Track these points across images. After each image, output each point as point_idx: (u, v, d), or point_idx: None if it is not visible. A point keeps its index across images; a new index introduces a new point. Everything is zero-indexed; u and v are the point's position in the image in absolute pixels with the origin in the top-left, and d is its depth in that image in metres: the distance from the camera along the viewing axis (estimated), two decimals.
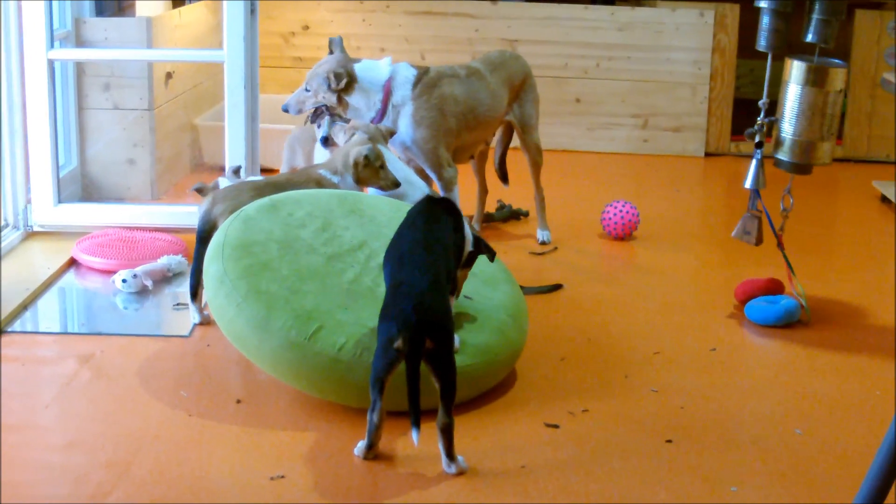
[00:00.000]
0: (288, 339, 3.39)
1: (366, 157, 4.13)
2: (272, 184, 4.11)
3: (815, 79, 4.12)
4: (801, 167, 4.23)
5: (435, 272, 3.22)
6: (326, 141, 4.67)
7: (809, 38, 4.17)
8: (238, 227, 3.70)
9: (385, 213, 3.96)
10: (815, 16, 4.12)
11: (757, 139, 4.23)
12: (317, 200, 3.92)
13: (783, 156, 4.23)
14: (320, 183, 4.13)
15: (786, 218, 4.36)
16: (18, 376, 3.68)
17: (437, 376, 3.09)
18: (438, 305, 3.15)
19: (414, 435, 3.06)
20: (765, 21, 4.16)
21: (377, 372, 3.10)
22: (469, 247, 3.50)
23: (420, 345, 3.05)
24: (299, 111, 4.75)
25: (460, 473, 3.13)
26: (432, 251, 3.28)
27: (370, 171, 4.16)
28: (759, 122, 4.22)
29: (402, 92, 4.69)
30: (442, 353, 3.10)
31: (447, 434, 3.12)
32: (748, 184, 4.29)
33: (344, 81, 4.61)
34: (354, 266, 3.69)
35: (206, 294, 3.64)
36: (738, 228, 4.40)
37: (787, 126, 4.19)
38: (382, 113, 4.68)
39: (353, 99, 4.66)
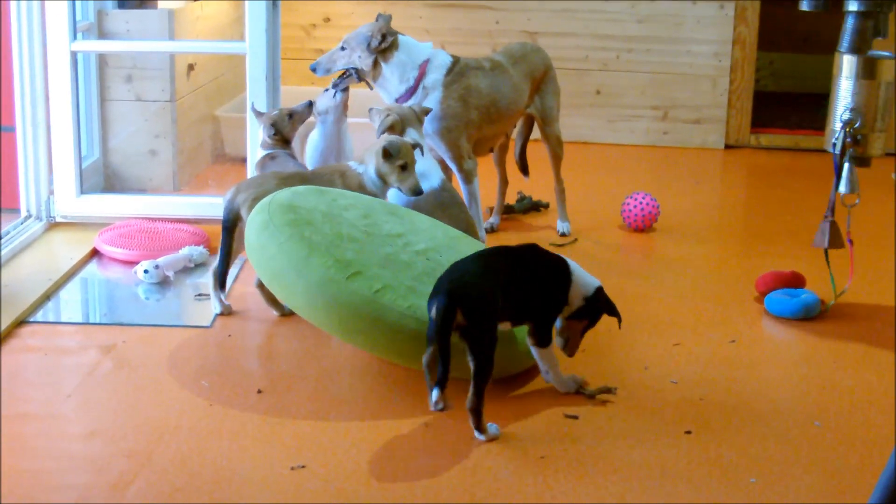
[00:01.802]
0: (326, 276, 3.43)
1: (384, 148, 4.01)
2: (299, 175, 4.12)
3: (866, 71, 4.12)
4: (859, 160, 4.20)
5: (489, 265, 3.34)
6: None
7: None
8: (286, 194, 3.77)
9: (425, 223, 3.98)
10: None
11: (849, 139, 4.16)
12: (358, 198, 3.95)
13: (826, 146, 4.21)
14: (344, 175, 4.10)
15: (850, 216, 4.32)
16: (41, 366, 3.70)
17: (470, 354, 3.18)
18: (478, 286, 3.23)
19: (434, 394, 3.14)
20: (849, 22, 4.11)
21: (427, 342, 3.18)
22: (579, 296, 3.47)
23: (450, 316, 3.13)
24: (328, 71, 4.72)
25: (491, 440, 3.23)
26: (501, 258, 3.40)
27: (390, 166, 4.03)
28: (842, 125, 4.17)
29: (436, 76, 4.69)
30: (474, 331, 3.17)
31: (475, 414, 3.21)
32: (844, 189, 4.19)
33: (389, 41, 4.60)
34: (393, 245, 3.72)
35: (248, 240, 3.67)
36: (821, 238, 4.31)
37: (829, 116, 4.18)
38: (413, 91, 4.67)
39: (389, 68, 4.64)
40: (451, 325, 3.15)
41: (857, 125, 4.12)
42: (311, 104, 4.64)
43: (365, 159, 4.10)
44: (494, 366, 3.22)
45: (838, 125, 4.16)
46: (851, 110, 4.12)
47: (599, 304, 3.50)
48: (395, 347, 3.45)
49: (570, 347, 3.54)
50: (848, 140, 4.13)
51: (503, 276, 3.32)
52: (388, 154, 4.03)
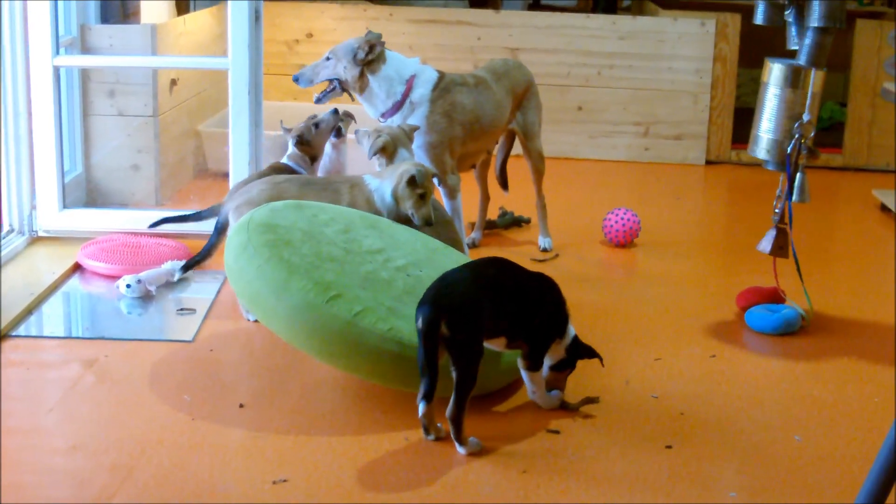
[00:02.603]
0: (306, 300, 3.42)
1: (412, 176, 4.02)
2: (298, 179, 4.19)
3: (793, 80, 4.17)
4: (781, 165, 4.25)
5: (479, 275, 3.36)
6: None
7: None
8: (264, 212, 3.78)
9: (404, 236, 3.98)
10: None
11: (805, 151, 4.21)
12: (339, 211, 3.96)
13: (761, 155, 4.26)
14: (355, 187, 4.11)
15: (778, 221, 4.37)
16: (22, 380, 3.70)
17: (452, 365, 3.20)
18: (463, 296, 3.24)
19: (420, 406, 3.21)
20: (810, 38, 4.15)
21: (418, 359, 3.22)
22: (567, 336, 3.52)
23: (435, 326, 3.16)
24: (310, 82, 4.71)
25: (472, 454, 3.24)
26: (495, 272, 3.41)
27: (410, 192, 4.04)
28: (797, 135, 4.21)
29: (423, 91, 4.70)
30: (456, 341, 3.18)
31: (455, 423, 3.22)
32: (798, 198, 4.23)
33: (376, 52, 4.61)
34: (373, 263, 3.72)
35: (227, 262, 3.66)
36: (766, 243, 4.36)
37: (766, 125, 4.22)
38: (399, 105, 4.68)
39: (376, 81, 4.65)
40: (436, 334, 3.16)
41: (811, 135, 4.17)
42: (336, 111, 4.65)
43: (384, 176, 4.11)
44: (477, 383, 3.23)
45: (764, 133, 4.21)
46: (803, 121, 4.17)
47: (580, 351, 3.55)
48: (376, 370, 3.46)
49: (561, 385, 3.59)
50: (802, 150, 4.18)
51: (494, 288, 3.32)
52: (413, 182, 4.04)
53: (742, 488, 3.14)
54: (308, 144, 4.59)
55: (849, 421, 3.60)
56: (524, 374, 3.50)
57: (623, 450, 3.33)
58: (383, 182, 4.09)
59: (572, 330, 3.53)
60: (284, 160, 4.60)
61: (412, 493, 3.06)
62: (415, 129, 4.52)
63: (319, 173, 4.78)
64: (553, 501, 3.04)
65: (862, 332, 4.37)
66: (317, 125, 4.59)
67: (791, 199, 4.22)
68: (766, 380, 3.92)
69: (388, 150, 4.35)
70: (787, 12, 4.23)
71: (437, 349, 3.18)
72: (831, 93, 8.04)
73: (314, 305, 3.42)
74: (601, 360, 3.62)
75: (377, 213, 4.08)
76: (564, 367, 3.55)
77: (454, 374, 3.20)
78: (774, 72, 4.20)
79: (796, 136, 4.17)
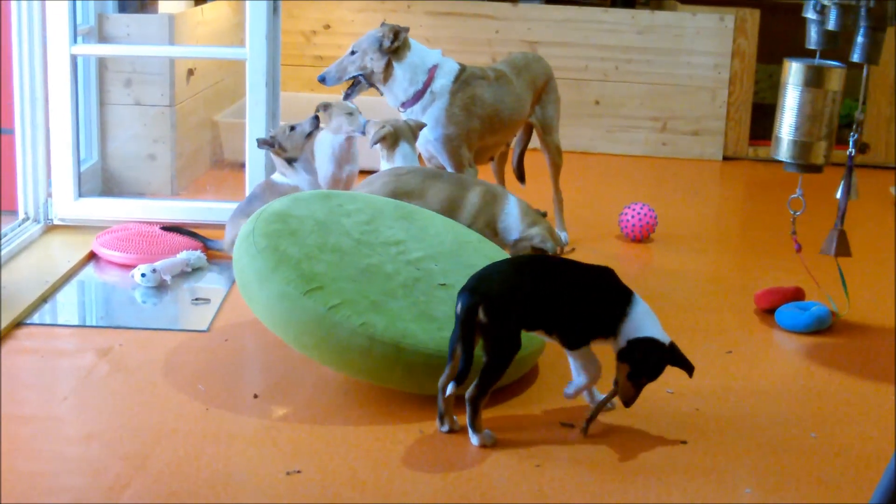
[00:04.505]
0: (284, 291, 3.46)
1: (543, 249, 4.11)
2: (424, 172, 4.27)
3: (814, 79, 4.14)
4: (807, 167, 4.22)
5: (523, 269, 3.32)
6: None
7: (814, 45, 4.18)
8: (285, 201, 3.83)
9: (437, 228, 3.98)
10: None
11: (853, 150, 4.17)
12: (371, 202, 3.98)
13: (783, 157, 4.23)
14: (491, 199, 4.21)
15: (794, 221, 4.34)
16: (37, 368, 3.70)
17: (484, 351, 3.21)
18: (502, 285, 3.24)
19: (449, 386, 3.23)
20: (866, 36, 4.10)
21: (450, 342, 3.24)
22: (625, 336, 3.32)
23: (472, 312, 3.17)
24: (339, 80, 4.70)
25: (483, 446, 3.23)
26: (539, 266, 3.36)
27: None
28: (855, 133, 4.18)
29: (444, 81, 4.68)
30: (492, 329, 3.19)
31: (473, 406, 3.23)
32: (853, 196, 4.18)
33: (401, 39, 4.60)
34: (381, 255, 3.72)
35: (235, 248, 3.73)
36: (829, 245, 4.29)
37: (786, 127, 4.19)
38: (420, 95, 4.66)
39: (401, 68, 4.63)
40: (473, 321, 3.18)
41: (861, 132, 4.15)
42: (317, 118, 4.62)
43: (526, 215, 4.11)
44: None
45: (785, 135, 4.18)
46: (859, 118, 4.14)
47: (635, 353, 3.30)
48: (346, 363, 3.45)
49: (621, 392, 3.35)
50: (853, 149, 4.15)
51: (537, 282, 3.28)
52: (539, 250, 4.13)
53: (757, 484, 3.13)
54: (281, 147, 4.57)
55: (865, 419, 3.58)
56: (568, 354, 3.39)
57: (638, 445, 3.32)
58: (522, 221, 4.01)
59: (654, 333, 3.31)
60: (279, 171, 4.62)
61: (426, 486, 3.05)
62: (421, 125, 4.53)
63: (328, 164, 4.79)
64: (567, 496, 3.03)
65: (878, 330, 4.35)
66: (293, 128, 4.57)
67: (847, 197, 4.18)
68: (781, 376, 3.90)
69: (388, 141, 4.40)
70: (807, 14, 4.17)
71: (473, 335, 3.19)
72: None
73: (291, 296, 3.45)
74: (690, 369, 3.40)
75: (493, 231, 4.12)
76: (622, 359, 3.33)
77: (484, 360, 3.21)
78: (795, 72, 4.17)
79: (854, 135, 4.14)
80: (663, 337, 3.31)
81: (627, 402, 3.34)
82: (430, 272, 3.70)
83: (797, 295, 4.44)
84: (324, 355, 3.47)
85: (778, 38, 8.07)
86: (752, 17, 7.10)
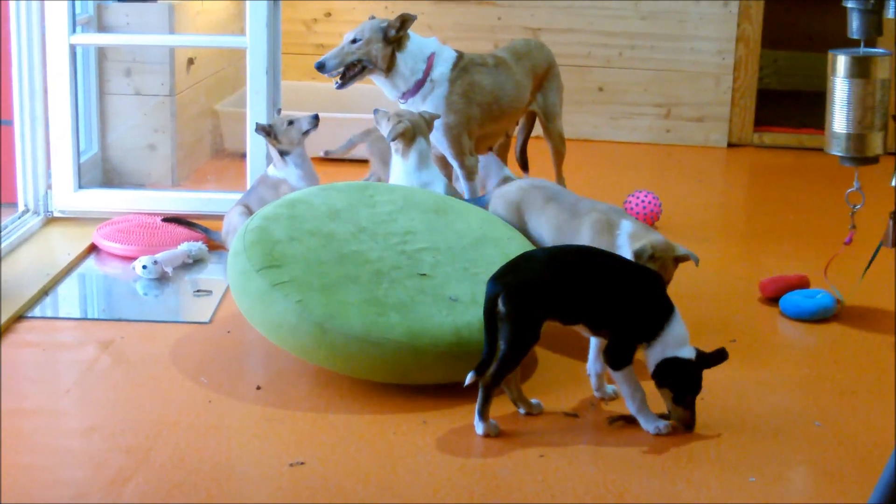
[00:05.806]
0: (242, 268, 3.58)
1: (647, 254, 3.71)
2: (549, 192, 4.09)
3: (861, 70, 4.08)
4: (862, 160, 4.16)
5: (556, 260, 3.29)
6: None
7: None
8: (315, 190, 3.99)
9: (469, 223, 3.95)
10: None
11: None
12: (407, 194, 4.00)
13: (838, 151, 4.16)
14: (606, 227, 3.85)
15: (853, 216, 4.30)
16: (38, 361, 3.69)
17: (502, 340, 3.19)
18: (527, 277, 3.22)
19: (468, 376, 3.21)
20: None
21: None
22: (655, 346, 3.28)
23: (493, 302, 3.18)
24: (339, 65, 4.64)
25: (486, 435, 3.23)
26: (576, 259, 3.32)
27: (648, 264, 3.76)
28: None
29: (442, 69, 4.65)
30: (509, 319, 3.18)
31: (485, 392, 3.22)
32: None
33: (408, 25, 4.58)
34: (376, 243, 3.74)
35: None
36: (889, 237, 4.24)
37: (839, 121, 4.12)
38: (421, 84, 4.63)
39: (403, 57, 4.59)
40: (494, 311, 3.18)
41: None
42: (317, 117, 4.58)
43: (637, 238, 3.79)
44: None
45: (838, 129, 4.12)
46: None
47: (668, 379, 3.29)
48: (280, 339, 3.52)
49: (676, 418, 3.32)
50: None
51: (570, 273, 3.25)
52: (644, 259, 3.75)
53: (761, 473, 3.12)
54: (276, 138, 4.54)
55: (869, 407, 3.56)
56: (613, 375, 3.32)
57: (641, 434, 3.30)
58: (631, 248, 3.84)
59: (685, 351, 3.29)
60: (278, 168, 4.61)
61: (430, 476, 3.04)
62: (435, 117, 4.47)
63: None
64: (570, 485, 3.02)
65: (885, 319, 4.33)
66: (291, 122, 4.54)
67: None
68: (786, 365, 3.89)
69: (407, 136, 4.31)
70: (847, 3, 4.09)
71: (495, 324, 3.19)
72: None
73: (247, 272, 3.56)
74: (723, 359, 3.36)
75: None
76: (682, 396, 3.30)
77: (502, 348, 3.19)
78: (841, 64, 4.10)
79: None
80: (688, 352, 3.29)
81: (688, 425, 3.32)
82: (419, 262, 3.70)
83: (802, 283, 4.42)
84: (265, 329, 3.56)
85: (782, 24, 8.07)
86: (757, 2, 7.05)
